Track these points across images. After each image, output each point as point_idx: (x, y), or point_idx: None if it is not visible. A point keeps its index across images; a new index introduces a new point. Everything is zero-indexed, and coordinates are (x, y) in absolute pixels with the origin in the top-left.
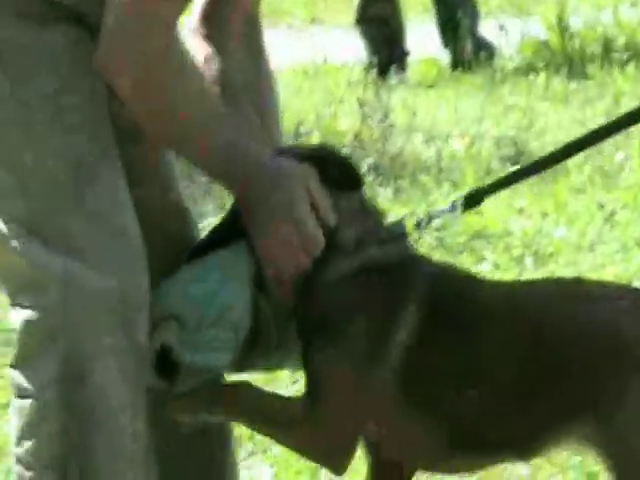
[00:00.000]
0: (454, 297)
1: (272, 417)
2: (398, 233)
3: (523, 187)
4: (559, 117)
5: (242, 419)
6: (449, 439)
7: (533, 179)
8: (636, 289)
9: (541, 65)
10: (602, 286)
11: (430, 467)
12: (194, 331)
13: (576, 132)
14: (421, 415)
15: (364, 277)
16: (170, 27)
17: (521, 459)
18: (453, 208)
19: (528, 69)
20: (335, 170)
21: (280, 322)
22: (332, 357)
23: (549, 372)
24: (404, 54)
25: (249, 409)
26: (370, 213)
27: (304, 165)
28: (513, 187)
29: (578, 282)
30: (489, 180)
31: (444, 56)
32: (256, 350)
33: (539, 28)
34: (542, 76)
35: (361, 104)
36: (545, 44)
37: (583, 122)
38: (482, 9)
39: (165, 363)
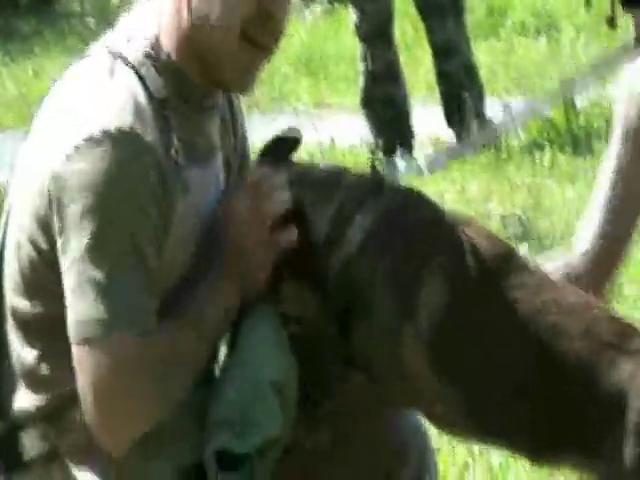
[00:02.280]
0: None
1: None
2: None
3: None
4: (566, 194)
5: None
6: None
7: None
8: None
9: (546, 143)
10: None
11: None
12: (243, 421)
13: (583, 209)
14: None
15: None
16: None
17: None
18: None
19: (533, 147)
20: (270, 150)
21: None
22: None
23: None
24: (412, 136)
25: None
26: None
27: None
28: None
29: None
30: None
31: (449, 135)
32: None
33: (544, 107)
34: (548, 154)
35: None
36: (550, 122)
37: (590, 199)
38: (488, 88)
39: (226, 457)
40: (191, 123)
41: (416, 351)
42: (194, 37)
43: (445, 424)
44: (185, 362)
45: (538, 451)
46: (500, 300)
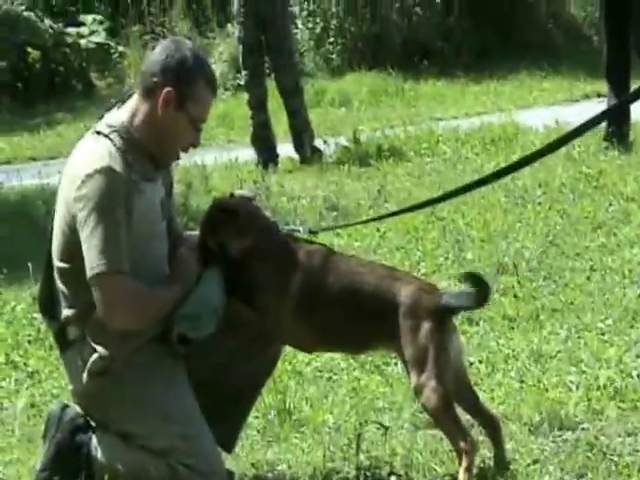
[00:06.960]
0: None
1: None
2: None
3: None
4: (355, 187)
5: None
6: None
7: None
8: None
9: (345, 160)
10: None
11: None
12: (196, 320)
13: (368, 194)
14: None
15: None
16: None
17: (354, 353)
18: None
19: (339, 162)
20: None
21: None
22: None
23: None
24: (277, 156)
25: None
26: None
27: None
28: None
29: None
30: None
31: (296, 156)
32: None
33: (344, 140)
34: (347, 166)
35: (255, 182)
36: (347, 149)
37: (371, 192)
38: (316, 131)
39: (182, 338)
40: (144, 166)
41: (284, 306)
42: (160, 127)
43: (297, 345)
44: (159, 306)
45: (357, 348)
46: (330, 273)
